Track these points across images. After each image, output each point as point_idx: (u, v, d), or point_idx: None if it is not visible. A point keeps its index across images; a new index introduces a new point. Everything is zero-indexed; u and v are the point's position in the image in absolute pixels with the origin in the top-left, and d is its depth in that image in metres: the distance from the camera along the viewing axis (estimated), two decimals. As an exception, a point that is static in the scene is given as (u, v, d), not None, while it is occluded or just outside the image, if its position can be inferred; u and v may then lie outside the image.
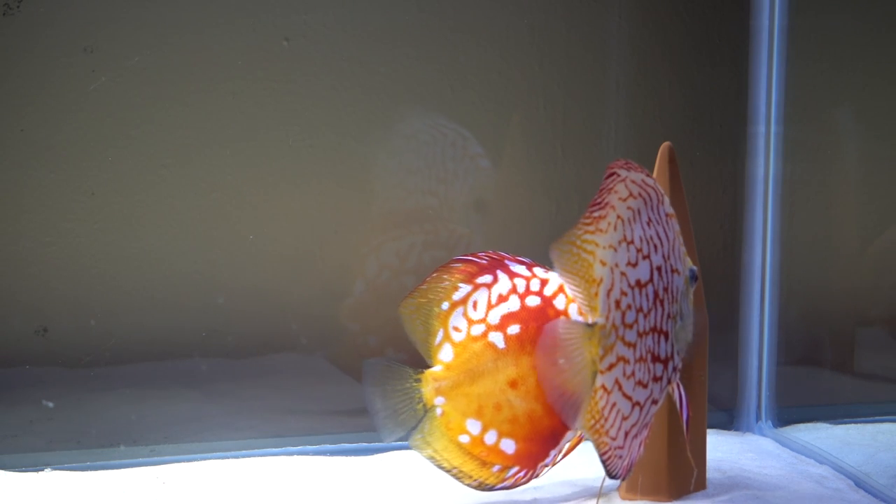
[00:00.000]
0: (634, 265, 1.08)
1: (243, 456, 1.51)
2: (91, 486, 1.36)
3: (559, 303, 1.24)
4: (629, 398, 1.08)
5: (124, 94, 1.51)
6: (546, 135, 1.68)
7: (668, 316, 1.11)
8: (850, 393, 1.74)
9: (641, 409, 1.09)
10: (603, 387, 1.05)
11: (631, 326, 1.07)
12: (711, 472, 1.39)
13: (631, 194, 1.08)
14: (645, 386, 1.09)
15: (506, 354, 1.24)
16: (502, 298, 1.26)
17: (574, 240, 1.06)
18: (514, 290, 1.26)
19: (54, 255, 1.51)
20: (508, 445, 1.26)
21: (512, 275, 1.27)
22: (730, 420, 1.70)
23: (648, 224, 1.10)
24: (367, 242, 1.64)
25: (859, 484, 1.39)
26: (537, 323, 1.24)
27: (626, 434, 1.09)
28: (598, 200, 1.07)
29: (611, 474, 1.09)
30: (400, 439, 1.28)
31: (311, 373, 1.63)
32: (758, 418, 1.69)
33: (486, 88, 1.65)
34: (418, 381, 1.27)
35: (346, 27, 1.59)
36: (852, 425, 1.66)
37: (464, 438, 1.26)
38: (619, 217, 1.07)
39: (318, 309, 1.62)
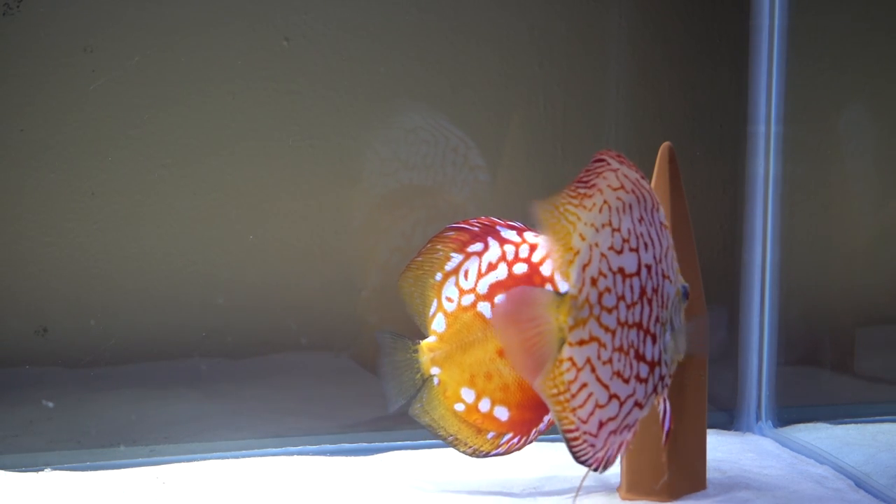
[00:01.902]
0: (619, 252, 1.08)
1: (243, 456, 1.51)
2: (91, 486, 1.36)
3: (545, 269, 1.26)
4: (605, 386, 1.07)
5: (124, 94, 1.51)
6: (546, 135, 1.68)
7: (657, 319, 1.11)
8: (850, 393, 1.74)
9: (621, 404, 1.09)
10: (571, 359, 1.05)
11: (610, 311, 1.07)
12: (711, 472, 1.39)
13: (622, 187, 1.08)
14: (626, 381, 1.09)
15: (493, 324, 1.26)
16: (492, 267, 1.29)
17: (557, 204, 1.07)
18: (503, 257, 1.28)
19: (54, 255, 1.51)
20: (502, 413, 1.29)
21: (502, 241, 1.29)
22: (730, 420, 1.70)
23: (640, 221, 1.10)
24: (373, 228, 1.63)
25: (859, 484, 1.39)
26: None
27: (602, 425, 1.08)
28: (585, 180, 1.07)
29: (576, 457, 1.09)
30: (402, 407, 1.32)
31: (311, 373, 1.63)
32: (758, 418, 1.69)
33: (486, 88, 1.65)
34: (416, 351, 1.31)
35: (346, 27, 1.59)
36: (852, 425, 1.66)
37: (459, 407, 1.30)
38: (605, 202, 1.08)
39: (318, 309, 1.62)
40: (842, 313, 1.75)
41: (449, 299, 1.30)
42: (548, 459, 1.48)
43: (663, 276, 1.12)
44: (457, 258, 1.31)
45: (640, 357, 1.10)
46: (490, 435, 1.30)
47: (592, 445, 1.08)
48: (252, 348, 1.60)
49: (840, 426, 1.66)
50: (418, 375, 1.31)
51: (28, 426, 1.51)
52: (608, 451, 1.10)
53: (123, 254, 1.54)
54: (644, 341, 1.10)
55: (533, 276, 1.27)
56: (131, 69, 1.51)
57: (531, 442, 1.29)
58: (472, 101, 1.65)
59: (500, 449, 1.29)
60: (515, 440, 1.29)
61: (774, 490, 1.35)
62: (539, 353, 1.05)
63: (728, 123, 1.73)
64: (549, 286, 1.26)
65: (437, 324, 1.31)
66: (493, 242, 1.29)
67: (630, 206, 1.09)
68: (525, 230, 1.29)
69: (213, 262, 1.58)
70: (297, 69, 1.58)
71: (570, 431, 1.07)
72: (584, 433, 1.07)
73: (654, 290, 1.10)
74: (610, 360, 1.07)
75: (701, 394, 1.34)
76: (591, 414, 1.07)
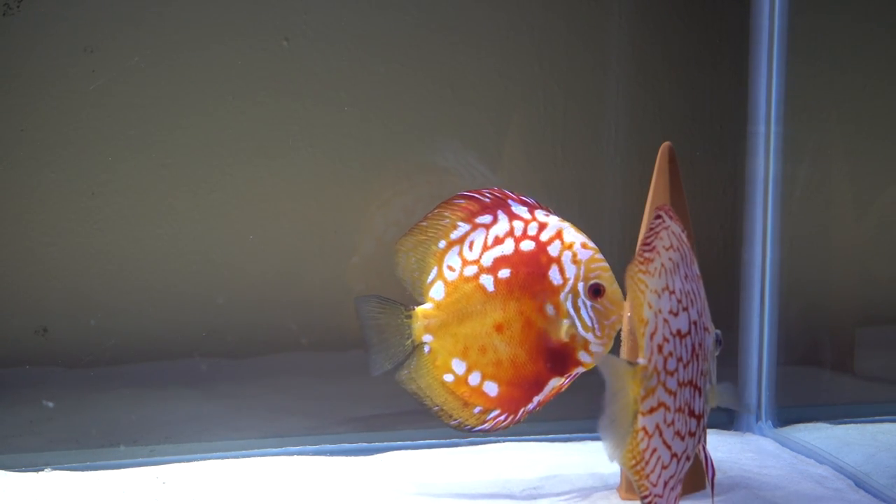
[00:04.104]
0: (676, 314, 1.08)
1: (243, 456, 1.51)
2: (91, 486, 1.36)
3: (553, 249, 1.25)
4: (669, 447, 1.08)
5: (124, 94, 1.51)
6: (546, 135, 1.68)
7: (702, 373, 1.12)
8: (850, 393, 1.74)
9: (679, 461, 1.10)
10: (644, 429, 1.06)
11: (672, 374, 1.07)
12: (711, 472, 1.39)
13: (672, 246, 1.08)
14: (682, 438, 1.09)
15: (494, 298, 1.27)
16: (498, 241, 1.28)
17: (632, 276, 1.06)
18: (510, 232, 1.28)
19: (54, 255, 1.51)
20: (491, 388, 1.28)
21: (512, 216, 1.28)
22: (730, 420, 1.70)
23: (686, 279, 1.10)
24: (374, 199, 1.63)
25: (859, 484, 1.39)
26: (527, 269, 1.26)
27: (666, 484, 1.09)
28: (648, 242, 1.07)
29: None
30: (387, 372, 1.30)
31: (311, 373, 1.63)
32: (758, 418, 1.69)
33: (486, 88, 1.65)
34: (409, 317, 1.29)
35: (346, 27, 1.59)
36: (852, 425, 1.66)
37: (448, 377, 1.29)
38: (662, 265, 1.07)
39: (318, 308, 1.62)
40: (842, 313, 1.75)
41: (451, 268, 1.29)
42: (548, 459, 1.48)
43: (704, 328, 1.13)
44: (463, 227, 1.29)
45: (692, 413, 1.10)
46: (477, 410, 1.28)
47: None
48: (252, 348, 1.60)
49: (840, 426, 1.66)
50: (409, 341, 1.29)
51: (28, 426, 1.51)
52: None
53: (123, 254, 1.54)
54: (694, 397, 1.10)
55: (539, 255, 1.26)
56: (131, 69, 1.51)
57: (518, 422, 1.28)
58: (472, 101, 1.65)
59: (485, 425, 1.28)
60: (502, 418, 1.28)
61: (774, 490, 1.35)
62: (620, 426, 1.05)
63: (728, 123, 1.73)
64: (554, 266, 1.26)
65: (436, 291, 1.29)
66: (502, 216, 1.29)
67: (678, 265, 1.09)
68: (536, 208, 1.29)
69: (214, 262, 1.58)
70: (297, 69, 1.58)
71: (646, 497, 1.07)
72: (655, 496, 1.07)
73: (700, 345, 1.11)
74: (672, 422, 1.08)
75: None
76: (659, 476, 1.08)
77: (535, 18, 1.66)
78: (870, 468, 1.43)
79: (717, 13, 1.74)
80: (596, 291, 1.25)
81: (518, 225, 1.28)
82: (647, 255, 1.06)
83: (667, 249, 1.08)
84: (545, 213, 1.28)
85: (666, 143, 1.34)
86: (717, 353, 1.17)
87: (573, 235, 1.27)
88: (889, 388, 1.75)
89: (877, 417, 1.68)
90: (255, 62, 1.56)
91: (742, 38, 1.71)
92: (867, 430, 1.64)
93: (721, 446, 1.56)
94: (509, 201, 1.29)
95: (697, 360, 1.11)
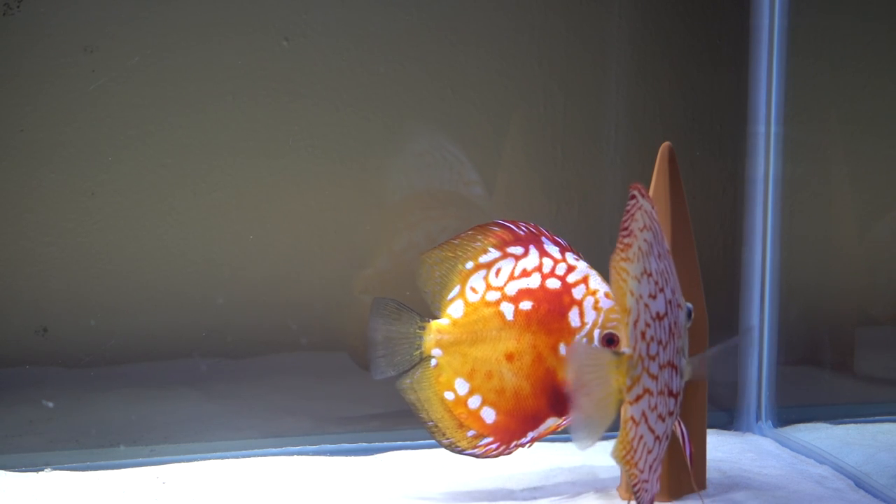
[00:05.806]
0: (654, 297, 1.08)
1: (243, 456, 1.51)
2: (91, 486, 1.36)
3: (577, 292, 1.26)
4: (653, 431, 1.08)
5: (124, 94, 1.51)
6: (546, 135, 1.68)
7: (678, 350, 1.12)
8: (850, 393, 1.74)
9: (660, 443, 1.10)
10: (632, 418, 1.06)
11: (654, 358, 1.08)
12: (711, 472, 1.39)
13: (645, 226, 1.08)
14: (663, 420, 1.10)
15: (511, 327, 1.27)
16: (526, 273, 1.28)
17: (615, 266, 1.06)
18: (539, 268, 1.28)
19: (54, 255, 1.51)
20: (489, 414, 1.28)
21: (542, 253, 1.29)
22: (730, 420, 1.70)
23: (659, 258, 1.10)
24: (401, 218, 1.63)
25: (859, 484, 1.39)
26: (549, 305, 1.27)
27: (650, 468, 1.09)
28: (626, 226, 1.07)
29: (639, 502, 1.09)
30: (388, 378, 1.31)
31: (312, 373, 1.63)
32: (758, 418, 1.69)
33: (486, 88, 1.65)
34: (422, 328, 1.30)
35: (346, 27, 1.59)
36: (852, 425, 1.66)
37: (449, 395, 1.29)
38: (639, 248, 1.07)
39: (318, 308, 1.62)
40: (842, 313, 1.75)
41: (473, 290, 1.30)
42: (548, 459, 1.49)
43: (677, 305, 1.12)
44: (493, 253, 1.30)
45: (671, 393, 1.10)
46: (470, 433, 1.29)
47: (647, 491, 1.09)
48: (252, 348, 1.60)
49: (840, 426, 1.66)
50: (417, 352, 1.30)
51: (28, 426, 1.51)
52: (653, 490, 1.11)
53: (123, 254, 1.54)
54: (672, 377, 1.11)
55: (563, 295, 1.26)
56: (131, 69, 1.51)
57: (510, 453, 1.28)
58: (472, 101, 1.65)
59: (475, 450, 1.28)
60: (494, 446, 1.28)
61: (774, 490, 1.35)
62: (599, 417, 1.05)
63: (728, 123, 1.73)
64: (575, 309, 1.26)
65: (455, 309, 1.30)
66: (533, 251, 1.30)
67: (651, 245, 1.09)
68: (567, 250, 1.30)
69: (213, 262, 1.58)
70: (297, 69, 1.58)
71: (636, 485, 1.08)
72: (643, 482, 1.08)
73: (675, 324, 1.11)
74: (656, 406, 1.08)
75: (701, 393, 1.34)
76: (645, 461, 1.08)
77: (535, 18, 1.66)
78: (870, 468, 1.43)
79: (717, 13, 1.74)
80: (609, 341, 1.26)
81: (547, 262, 1.29)
82: (626, 240, 1.06)
83: (642, 230, 1.08)
84: (575, 256, 1.29)
85: (666, 143, 1.34)
86: (688, 326, 1.18)
87: (598, 283, 1.28)
88: (889, 388, 1.75)
89: (877, 417, 1.68)
90: (255, 62, 1.56)
91: (742, 38, 1.71)
92: (867, 430, 1.64)
93: (721, 446, 1.56)
94: (542, 238, 1.30)
95: (674, 339, 1.11)
